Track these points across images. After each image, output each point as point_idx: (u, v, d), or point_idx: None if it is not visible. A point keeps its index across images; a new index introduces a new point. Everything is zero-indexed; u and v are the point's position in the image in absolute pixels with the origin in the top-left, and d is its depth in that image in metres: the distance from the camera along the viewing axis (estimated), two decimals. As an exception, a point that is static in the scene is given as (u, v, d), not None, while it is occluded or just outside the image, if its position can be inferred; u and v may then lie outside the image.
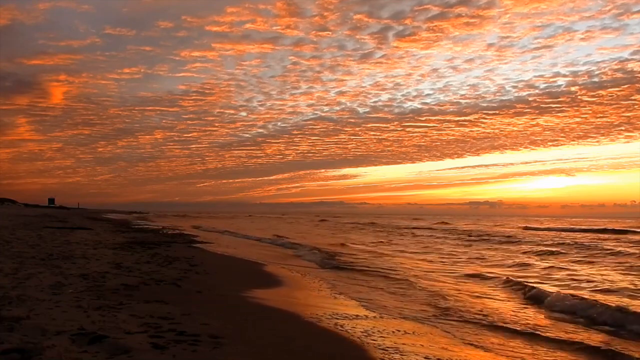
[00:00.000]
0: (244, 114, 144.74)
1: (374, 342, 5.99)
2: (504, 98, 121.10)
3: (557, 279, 13.00)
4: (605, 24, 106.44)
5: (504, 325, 7.74)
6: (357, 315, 7.67)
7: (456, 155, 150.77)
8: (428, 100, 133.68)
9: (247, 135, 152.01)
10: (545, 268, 15.54)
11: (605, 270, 15.04)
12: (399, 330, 6.80)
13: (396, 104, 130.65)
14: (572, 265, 16.29)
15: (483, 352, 6.16)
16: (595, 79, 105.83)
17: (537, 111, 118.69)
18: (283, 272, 13.04)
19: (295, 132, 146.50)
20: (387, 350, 5.61)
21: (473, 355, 5.99)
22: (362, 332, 6.49)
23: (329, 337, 6.16)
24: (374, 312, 8.15)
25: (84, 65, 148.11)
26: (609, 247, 22.38)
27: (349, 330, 6.53)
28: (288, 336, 5.91)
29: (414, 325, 7.31)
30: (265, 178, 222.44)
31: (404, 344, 6.03)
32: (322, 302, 8.79)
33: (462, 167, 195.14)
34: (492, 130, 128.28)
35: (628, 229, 42.96)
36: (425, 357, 5.49)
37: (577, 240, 27.44)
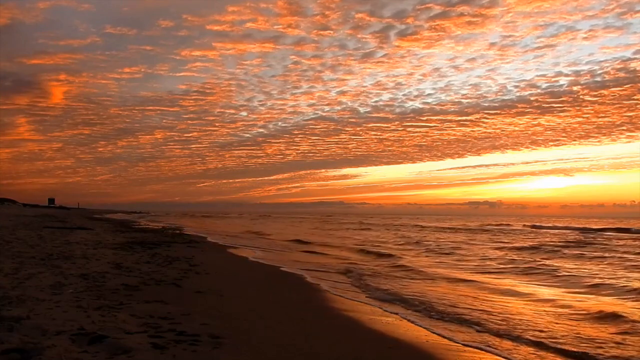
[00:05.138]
0: (244, 113, 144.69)
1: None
2: (505, 98, 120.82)
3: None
4: (608, 23, 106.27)
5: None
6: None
7: (457, 155, 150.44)
8: (429, 100, 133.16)
9: (248, 135, 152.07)
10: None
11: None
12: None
13: (397, 104, 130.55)
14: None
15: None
16: (598, 79, 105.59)
17: (538, 111, 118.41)
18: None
19: (295, 131, 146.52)
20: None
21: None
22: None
23: (335, 337, 6.17)
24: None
25: (84, 65, 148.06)
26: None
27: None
28: (289, 336, 5.91)
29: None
30: (266, 178, 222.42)
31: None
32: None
33: (463, 167, 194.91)
34: (493, 130, 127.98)
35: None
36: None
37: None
